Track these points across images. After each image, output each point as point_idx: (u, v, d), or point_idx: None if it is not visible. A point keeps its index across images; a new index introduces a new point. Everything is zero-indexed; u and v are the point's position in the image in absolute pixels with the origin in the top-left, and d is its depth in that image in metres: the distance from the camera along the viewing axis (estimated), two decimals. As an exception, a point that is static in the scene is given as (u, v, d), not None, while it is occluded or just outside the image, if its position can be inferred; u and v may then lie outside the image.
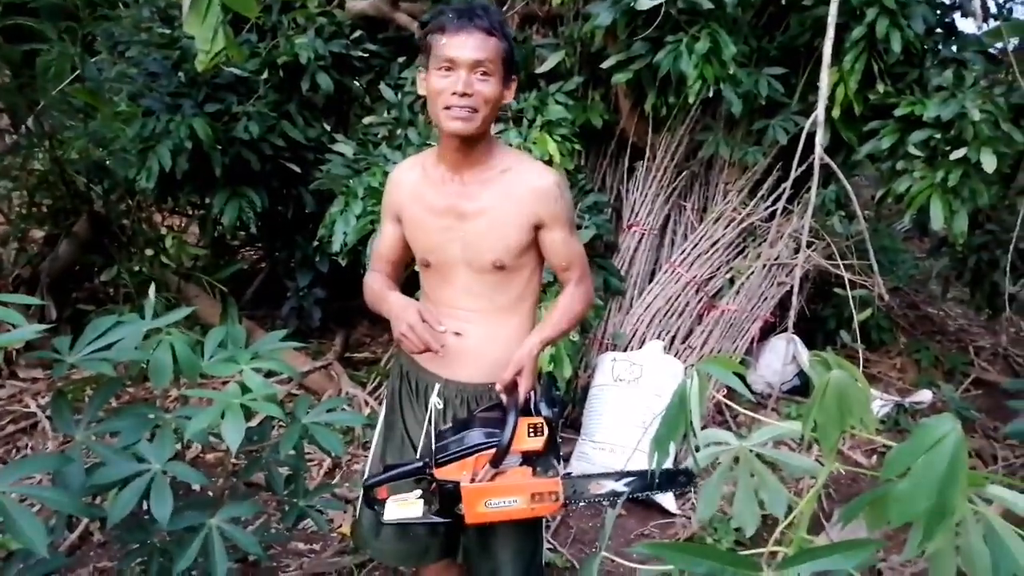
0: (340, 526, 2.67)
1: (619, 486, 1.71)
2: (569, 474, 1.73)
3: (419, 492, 1.71)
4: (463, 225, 1.71)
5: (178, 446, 2.08)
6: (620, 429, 3.13)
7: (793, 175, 2.90)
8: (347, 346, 4.22)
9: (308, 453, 3.04)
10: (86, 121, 3.95)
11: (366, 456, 3.31)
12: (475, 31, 1.58)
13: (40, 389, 3.58)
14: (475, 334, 1.77)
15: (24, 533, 1.44)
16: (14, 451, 3.16)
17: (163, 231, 4.28)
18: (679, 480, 1.77)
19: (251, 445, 2.17)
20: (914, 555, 0.82)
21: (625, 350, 3.57)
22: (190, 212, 4.50)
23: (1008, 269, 3.83)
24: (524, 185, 1.68)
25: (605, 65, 3.43)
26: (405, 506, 1.70)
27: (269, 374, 1.96)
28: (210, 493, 2.27)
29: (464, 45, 1.57)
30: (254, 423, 2.36)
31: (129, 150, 3.43)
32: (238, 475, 2.09)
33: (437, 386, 1.80)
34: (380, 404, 3.55)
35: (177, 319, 1.97)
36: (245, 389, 1.84)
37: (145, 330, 1.94)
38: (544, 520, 1.96)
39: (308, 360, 3.86)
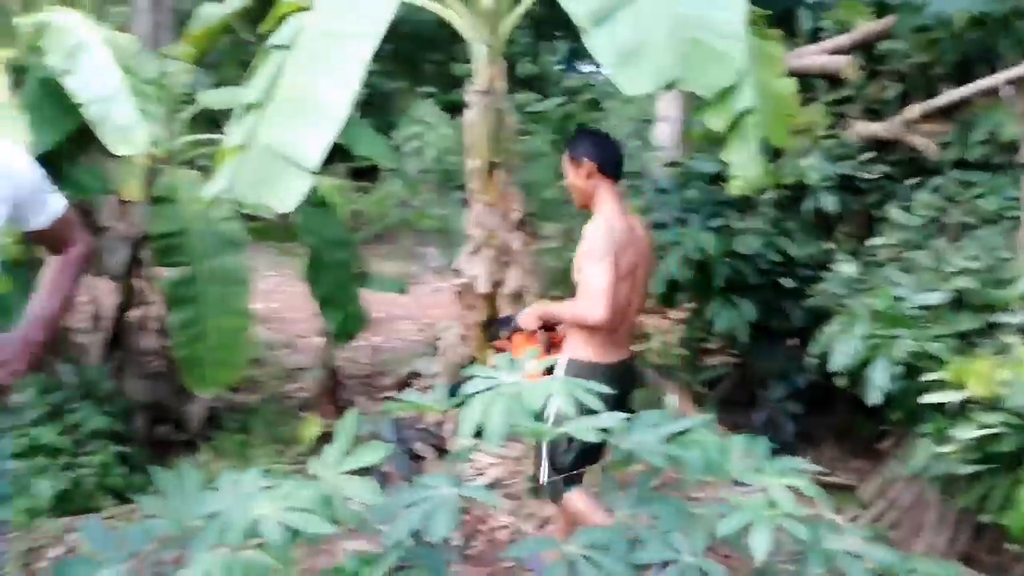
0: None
1: None
2: None
3: None
4: None
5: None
6: None
7: None
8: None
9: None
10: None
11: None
12: None
13: (540, 456, 4.10)
14: None
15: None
16: (522, 508, 3.65)
17: (650, 330, 4.67)
18: None
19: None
20: None
21: None
22: (671, 315, 4.86)
23: None
24: None
25: None
26: None
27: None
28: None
29: None
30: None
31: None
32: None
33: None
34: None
35: (701, 424, 2.16)
36: (771, 502, 1.91)
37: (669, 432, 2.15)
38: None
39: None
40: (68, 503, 3.16)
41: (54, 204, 1.85)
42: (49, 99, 3.21)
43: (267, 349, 5.66)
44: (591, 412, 2.49)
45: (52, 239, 1.89)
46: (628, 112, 6.46)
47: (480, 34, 3.60)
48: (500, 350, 2.95)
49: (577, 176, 2.76)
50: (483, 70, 3.81)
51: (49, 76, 3.16)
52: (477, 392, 1.98)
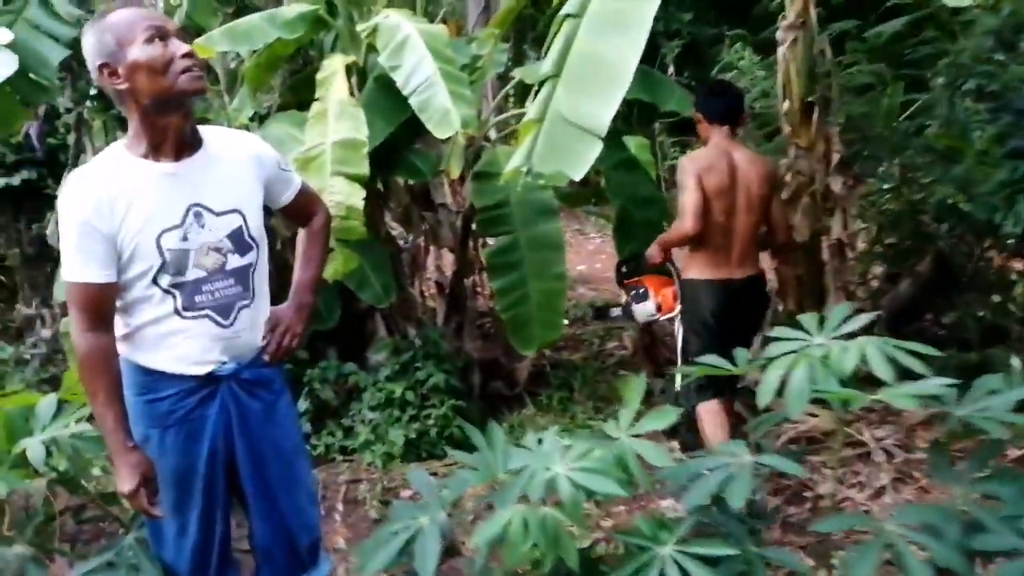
0: None
1: None
2: None
3: None
4: None
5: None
6: None
7: None
8: None
9: None
10: (948, 166, 3.95)
11: None
12: None
13: (874, 420, 3.75)
14: None
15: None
16: (850, 475, 3.38)
17: (1013, 277, 4.00)
18: None
19: None
20: None
21: None
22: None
23: None
24: None
25: None
26: None
27: None
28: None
29: None
30: None
31: (994, 194, 3.30)
32: None
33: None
34: None
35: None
36: None
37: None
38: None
39: None
40: (416, 450, 3.59)
41: (295, 180, 2.05)
42: (383, 94, 3.60)
43: (590, 308, 5.86)
44: (706, 325, 2.99)
45: (297, 211, 2.09)
46: (992, 23, 5.47)
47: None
48: (630, 288, 3.51)
49: (699, 126, 3.22)
50: (793, 2, 3.53)
51: (382, 73, 3.54)
52: (781, 353, 1.88)
